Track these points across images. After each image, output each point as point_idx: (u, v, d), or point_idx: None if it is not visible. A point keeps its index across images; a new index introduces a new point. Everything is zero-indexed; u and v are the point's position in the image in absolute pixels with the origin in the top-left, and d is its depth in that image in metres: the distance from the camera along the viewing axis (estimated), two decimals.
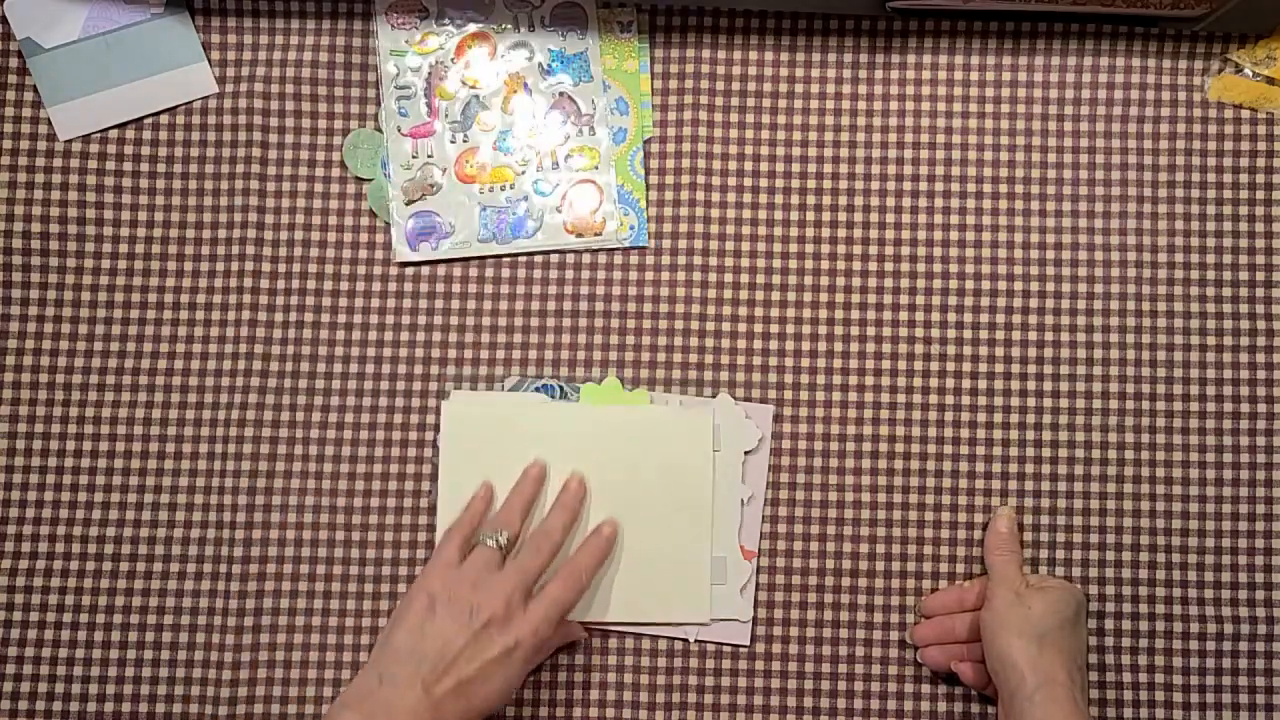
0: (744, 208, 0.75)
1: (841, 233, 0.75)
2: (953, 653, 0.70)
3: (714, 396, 0.74)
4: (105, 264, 0.75)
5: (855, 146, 0.75)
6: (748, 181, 0.75)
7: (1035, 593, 0.67)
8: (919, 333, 0.74)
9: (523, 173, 0.75)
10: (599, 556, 0.70)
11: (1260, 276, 0.74)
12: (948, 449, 0.74)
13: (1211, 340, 0.74)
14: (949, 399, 0.74)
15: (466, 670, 0.62)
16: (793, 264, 0.75)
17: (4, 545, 0.73)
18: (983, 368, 0.74)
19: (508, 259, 0.75)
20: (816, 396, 0.74)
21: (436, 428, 0.74)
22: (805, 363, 0.74)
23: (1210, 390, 0.74)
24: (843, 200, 0.75)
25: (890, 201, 0.75)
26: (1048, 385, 0.74)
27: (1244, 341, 0.74)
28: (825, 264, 0.75)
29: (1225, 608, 0.73)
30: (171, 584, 0.73)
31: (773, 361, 0.74)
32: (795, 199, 0.75)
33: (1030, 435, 0.74)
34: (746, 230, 0.75)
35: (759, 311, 0.75)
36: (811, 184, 0.75)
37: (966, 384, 0.74)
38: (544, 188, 0.75)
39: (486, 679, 0.63)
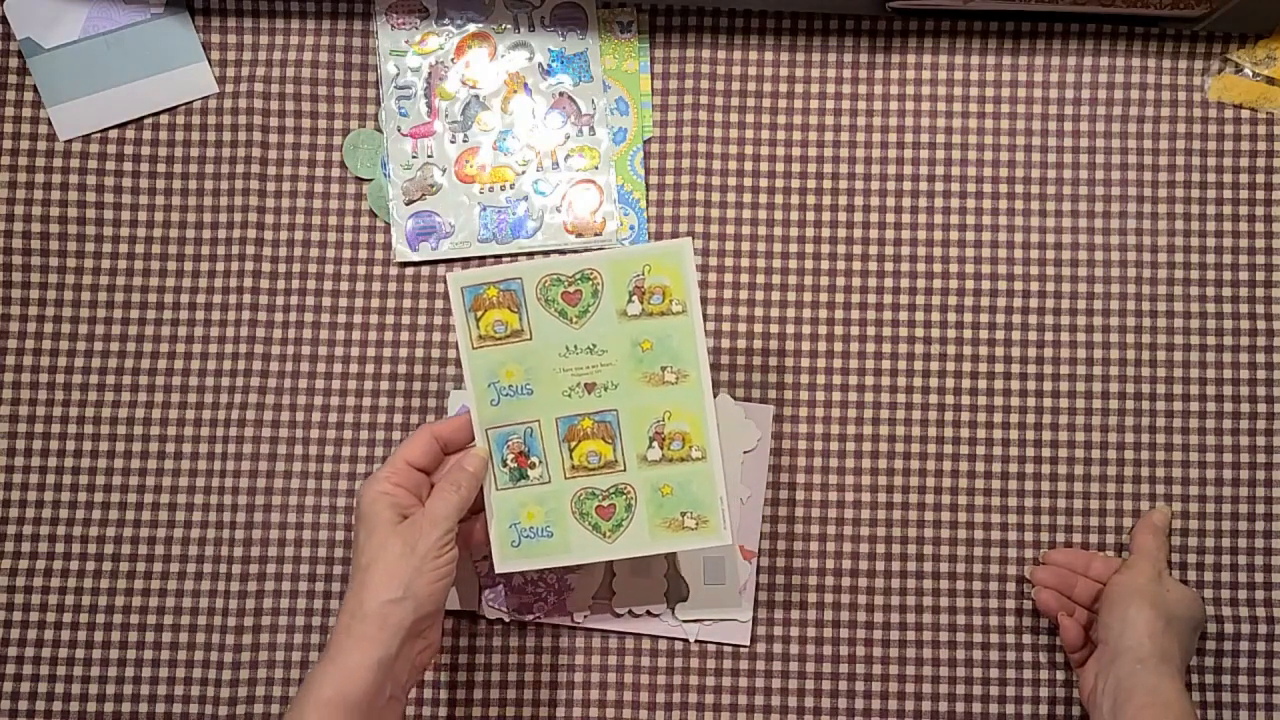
0: (744, 208, 0.75)
1: (841, 233, 0.75)
2: (1065, 604, 0.71)
3: (714, 397, 0.73)
4: (105, 264, 0.75)
5: (855, 146, 0.75)
6: (748, 181, 0.75)
7: (1174, 583, 0.69)
8: (919, 333, 0.74)
9: (523, 173, 0.75)
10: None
11: (1260, 276, 0.74)
12: (948, 449, 0.74)
13: (1211, 340, 0.74)
14: (949, 399, 0.74)
15: None
16: (793, 264, 0.75)
17: (4, 545, 0.73)
18: (983, 368, 0.74)
19: (508, 259, 0.75)
20: (816, 396, 0.74)
21: None
22: (805, 363, 0.74)
23: (1210, 390, 0.74)
24: (843, 200, 0.75)
25: (890, 201, 0.75)
26: (1048, 385, 0.74)
27: (1244, 341, 0.74)
28: (825, 264, 0.75)
29: (1225, 608, 0.73)
30: (171, 584, 0.73)
31: (773, 361, 0.74)
32: (795, 199, 0.75)
33: (1030, 435, 0.74)
34: (746, 230, 0.75)
35: (759, 311, 0.75)
36: (811, 184, 0.75)
37: (966, 384, 0.74)
38: (544, 188, 0.75)
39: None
